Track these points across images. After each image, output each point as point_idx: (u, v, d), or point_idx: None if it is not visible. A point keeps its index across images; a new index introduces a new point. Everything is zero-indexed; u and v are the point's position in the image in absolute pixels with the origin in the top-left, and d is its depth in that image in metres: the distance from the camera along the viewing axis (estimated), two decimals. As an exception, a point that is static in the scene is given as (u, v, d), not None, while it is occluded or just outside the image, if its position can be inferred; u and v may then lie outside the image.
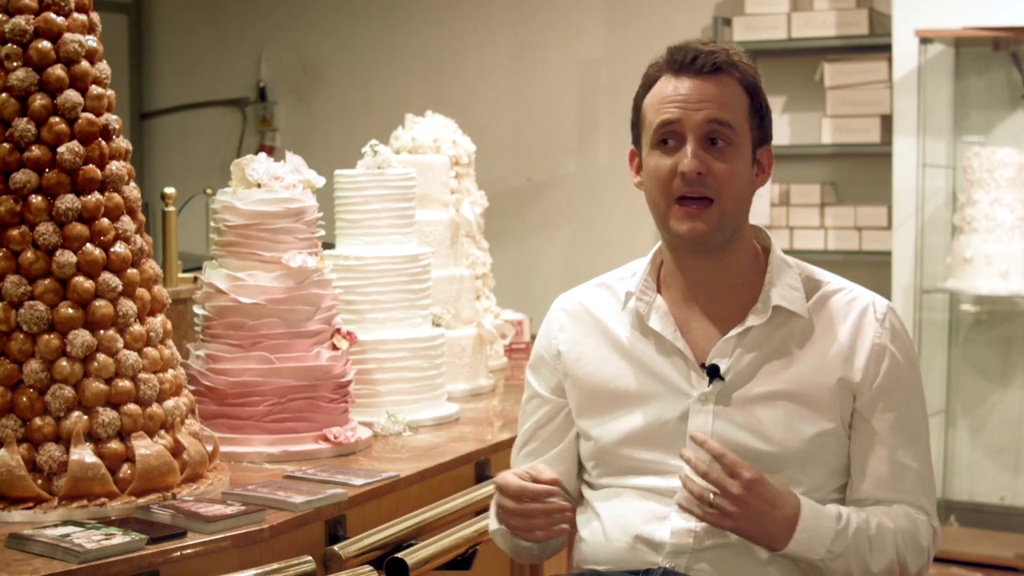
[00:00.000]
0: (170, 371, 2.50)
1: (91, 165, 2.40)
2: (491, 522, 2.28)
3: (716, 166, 2.06)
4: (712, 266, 2.14)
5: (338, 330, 2.97)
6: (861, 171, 5.92)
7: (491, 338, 3.82)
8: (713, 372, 2.10)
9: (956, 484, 5.52)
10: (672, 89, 2.08)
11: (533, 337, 3.12)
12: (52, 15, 2.39)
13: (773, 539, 2.02)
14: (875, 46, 5.71)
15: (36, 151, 2.36)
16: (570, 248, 6.61)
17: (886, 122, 5.67)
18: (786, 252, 2.23)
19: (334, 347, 2.94)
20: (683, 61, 2.08)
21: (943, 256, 5.42)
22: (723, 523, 2.00)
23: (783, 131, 6.03)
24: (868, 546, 2.04)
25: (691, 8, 6.23)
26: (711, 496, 1.98)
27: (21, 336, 2.34)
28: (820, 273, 2.19)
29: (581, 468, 2.27)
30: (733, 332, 2.11)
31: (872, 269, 5.60)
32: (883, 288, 5.25)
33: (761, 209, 5.71)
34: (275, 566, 2.25)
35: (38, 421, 2.33)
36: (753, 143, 2.11)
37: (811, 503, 2.04)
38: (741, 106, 2.08)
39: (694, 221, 2.07)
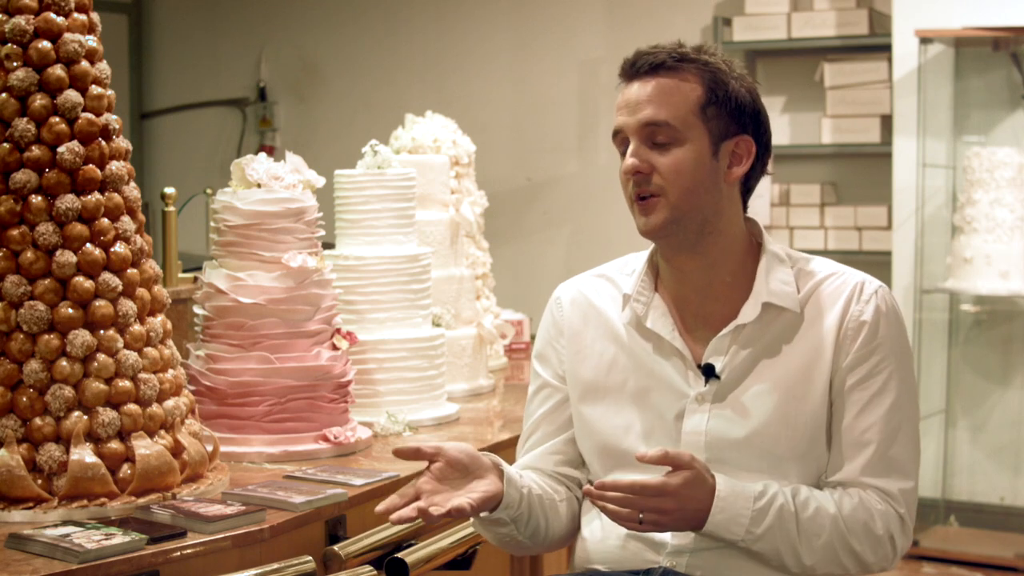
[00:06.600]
0: (170, 371, 2.50)
1: (91, 165, 2.40)
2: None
3: (658, 161, 2.08)
4: (697, 264, 2.14)
5: (338, 330, 2.97)
6: (861, 171, 5.92)
7: (491, 338, 3.82)
8: (709, 372, 2.10)
9: (956, 484, 5.52)
10: (620, 97, 2.12)
11: (533, 337, 3.12)
12: (52, 15, 2.39)
13: (692, 525, 2.00)
14: (875, 46, 5.71)
15: (36, 151, 2.36)
16: (570, 248, 6.61)
17: (886, 122, 5.67)
18: (785, 251, 2.23)
19: (334, 347, 2.93)
20: (626, 68, 2.12)
21: (943, 256, 5.42)
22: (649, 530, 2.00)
23: (783, 131, 6.03)
24: (796, 528, 2.01)
25: (691, 8, 6.23)
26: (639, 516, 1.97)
27: (21, 336, 2.34)
28: (813, 263, 2.18)
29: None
30: (726, 330, 2.11)
31: (872, 269, 5.52)
32: (883, 288, 5.25)
33: (761, 209, 5.71)
34: (275, 566, 2.25)
35: (38, 421, 2.33)
36: (714, 134, 2.09)
37: (731, 483, 2.01)
38: (688, 100, 2.07)
39: (647, 216, 2.10)
